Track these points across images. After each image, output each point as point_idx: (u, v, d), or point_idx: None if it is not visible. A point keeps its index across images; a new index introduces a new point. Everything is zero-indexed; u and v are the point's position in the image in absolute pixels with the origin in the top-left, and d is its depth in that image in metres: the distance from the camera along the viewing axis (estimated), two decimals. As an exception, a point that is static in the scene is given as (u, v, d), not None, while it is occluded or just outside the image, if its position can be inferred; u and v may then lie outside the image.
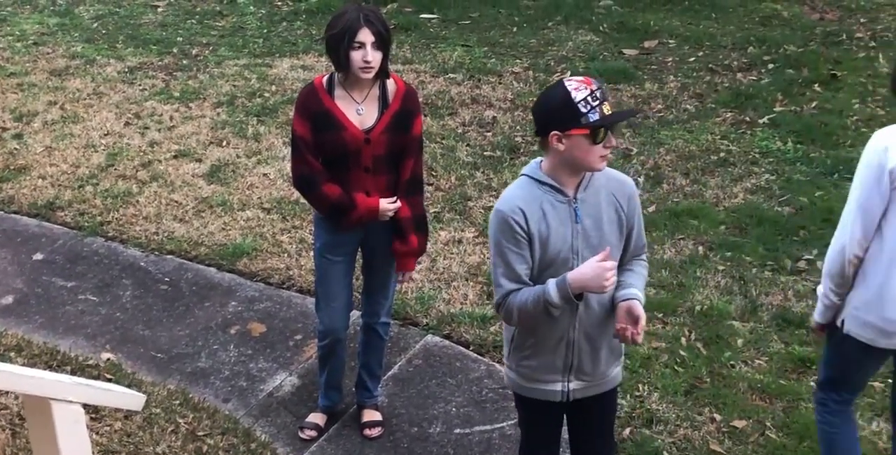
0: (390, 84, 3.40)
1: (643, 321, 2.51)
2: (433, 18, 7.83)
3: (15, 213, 5.17)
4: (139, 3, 8.29)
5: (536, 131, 2.63)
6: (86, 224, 5.04)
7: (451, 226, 4.97)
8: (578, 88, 2.50)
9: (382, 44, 3.25)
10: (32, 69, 6.94)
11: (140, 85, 6.69)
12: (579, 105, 2.49)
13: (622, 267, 2.74)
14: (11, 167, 5.57)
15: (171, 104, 6.39)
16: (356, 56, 3.21)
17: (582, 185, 2.62)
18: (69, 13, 8.06)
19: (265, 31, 7.68)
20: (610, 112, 2.51)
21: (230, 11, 8.10)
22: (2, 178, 5.45)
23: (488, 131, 5.94)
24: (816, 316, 2.95)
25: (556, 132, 2.52)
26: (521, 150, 5.69)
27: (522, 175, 2.68)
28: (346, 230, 3.43)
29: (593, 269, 2.45)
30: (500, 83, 6.58)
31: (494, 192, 5.23)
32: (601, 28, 7.52)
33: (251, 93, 6.54)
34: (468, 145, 5.78)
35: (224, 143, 5.87)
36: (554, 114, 2.54)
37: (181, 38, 7.54)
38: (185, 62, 7.09)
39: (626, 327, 2.51)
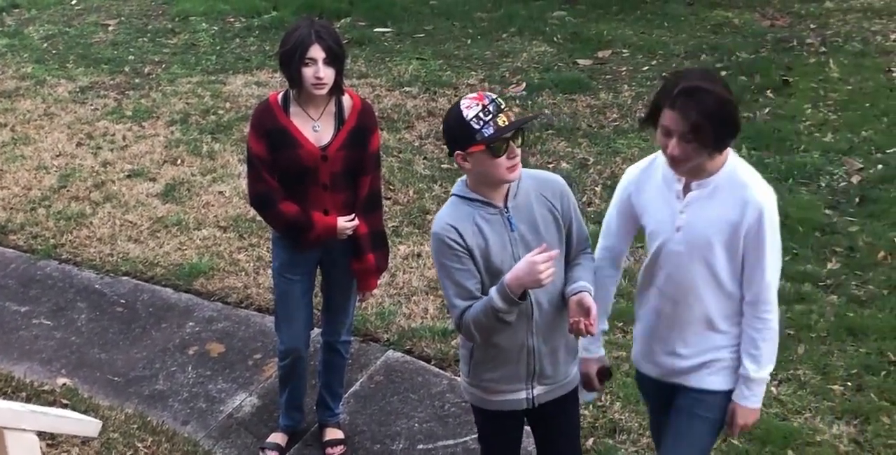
0: (346, 100, 3.36)
1: (594, 311, 2.50)
2: (387, 32, 7.82)
3: (-37, 239, 5.09)
4: (89, 22, 8.21)
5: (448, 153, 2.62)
6: (38, 247, 4.96)
7: (409, 240, 4.95)
8: (470, 106, 2.51)
9: (334, 60, 3.21)
10: (-19, 91, 6.85)
11: (92, 104, 6.62)
12: (471, 122, 2.50)
13: (569, 263, 2.74)
14: (-39, 191, 5.49)
15: (124, 123, 6.33)
16: (308, 72, 3.18)
17: (510, 193, 2.61)
18: (18, 34, 7.97)
19: (218, 47, 7.64)
20: (507, 123, 2.48)
21: (182, 29, 8.04)
22: (-49, 203, 5.37)
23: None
24: None
25: (458, 152, 2.53)
26: (479, 162, 5.68)
27: (452, 195, 2.67)
28: (304, 249, 3.40)
29: (525, 263, 2.45)
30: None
31: (452, 205, 5.21)
32: (555, 39, 7.55)
33: (205, 110, 6.49)
34: (425, 158, 5.76)
35: (178, 162, 5.82)
36: (452, 134, 2.56)
37: (133, 57, 7.47)
38: (137, 81, 7.03)
39: (579, 319, 2.50)
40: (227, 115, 6.39)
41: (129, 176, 5.65)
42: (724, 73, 6.77)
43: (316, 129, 3.32)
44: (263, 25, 7.99)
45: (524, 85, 6.71)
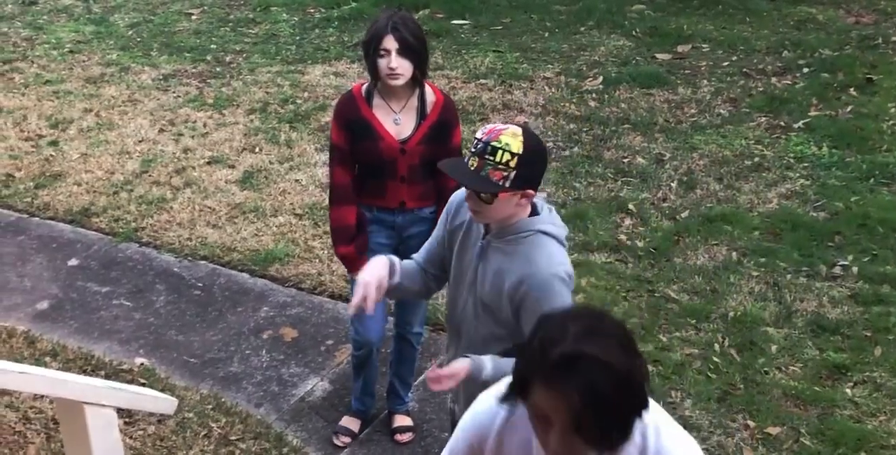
0: (429, 94, 3.36)
1: (451, 370, 2.40)
2: (465, 24, 7.83)
3: (51, 219, 5.22)
4: (174, 10, 8.36)
5: None
6: (120, 230, 5.08)
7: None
8: (483, 128, 2.42)
9: (409, 51, 3.19)
10: (68, 77, 7.01)
11: (174, 92, 6.75)
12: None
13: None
14: (47, 174, 5.63)
15: (205, 111, 6.44)
16: (381, 63, 3.18)
17: (491, 230, 2.49)
18: (104, 21, 8.14)
19: (298, 37, 7.71)
20: (471, 167, 2.33)
21: (263, 19, 8.14)
22: (38, 185, 5.51)
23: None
24: None
25: None
26: (553, 156, 5.67)
27: None
28: (377, 238, 3.43)
29: (363, 285, 2.44)
30: (531, 88, 6.57)
31: (526, 198, 5.22)
32: (634, 33, 7.49)
33: (284, 99, 6.57)
34: (500, 151, 5.76)
35: (257, 150, 5.90)
36: None
37: (215, 46, 7.59)
38: (218, 69, 7.14)
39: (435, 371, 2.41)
40: (305, 105, 6.47)
41: (208, 162, 5.75)
42: (806, 70, 6.67)
43: (397, 122, 3.32)
44: (343, 16, 8.05)
45: (601, 79, 6.67)
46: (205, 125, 6.24)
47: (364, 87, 3.38)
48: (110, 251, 4.94)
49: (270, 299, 4.52)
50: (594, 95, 6.43)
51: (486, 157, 2.31)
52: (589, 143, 5.84)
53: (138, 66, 7.22)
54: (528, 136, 2.38)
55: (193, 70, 7.15)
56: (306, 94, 6.64)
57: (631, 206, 5.12)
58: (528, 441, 1.83)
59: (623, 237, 4.87)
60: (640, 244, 4.80)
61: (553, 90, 6.54)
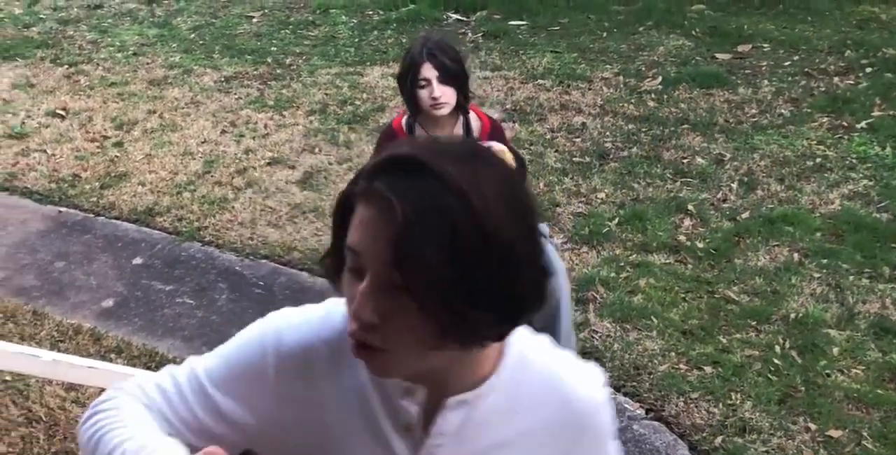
0: (474, 120, 3.22)
1: None
2: (522, 25, 7.84)
3: (116, 218, 5.33)
4: (235, 14, 8.47)
5: None
6: (183, 229, 5.17)
7: (540, 232, 4.96)
8: None
9: (450, 77, 3.03)
10: (132, 79, 7.14)
11: (236, 94, 6.84)
12: None
13: None
14: (112, 174, 5.74)
15: (266, 112, 6.52)
16: (423, 94, 3.03)
17: None
18: (168, 24, 8.28)
19: (356, 40, 7.78)
20: None
21: (323, 21, 8.22)
22: (104, 185, 5.63)
23: (577, 137, 5.92)
24: None
25: None
26: (611, 156, 5.66)
27: None
28: None
29: None
30: (589, 89, 6.56)
31: (584, 198, 5.21)
32: (693, 32, 7.44)
33: (342, 101, 6.63)
34: (557, 151, 5.77)
35: (316, 151, 5.96)
36: None
37: (275, 48, 7.68)
38: (279, 71, 7.23)
39: None
40: (364, 106, 6.52)
41: (269, 163, 5.83)
42: (869, 69, 6.58)
43: None
44: (401, 18, 8.10)
45: (660, 79, 6.64)
46: (265, 126, 6.32)
47: (404, 119, 3.23)
48: (173, 250, 5.03)
49: (329, 298, 4.56)
50: (653, 96, 6.40)
51: None
52: (648, 143, 5.81)
53: (201, 68, 7.33)
54: (514, 151, 2.42)
55: (254, 72, 7.24)
56: (365, 96, 6.69)
57: (690, 207, 5.08)
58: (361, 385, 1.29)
59: (682, 238, 4.84)
60: (699, 245, 4.77)
61: (611, 90, 6.52)
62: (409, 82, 3.04)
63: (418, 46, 3.05)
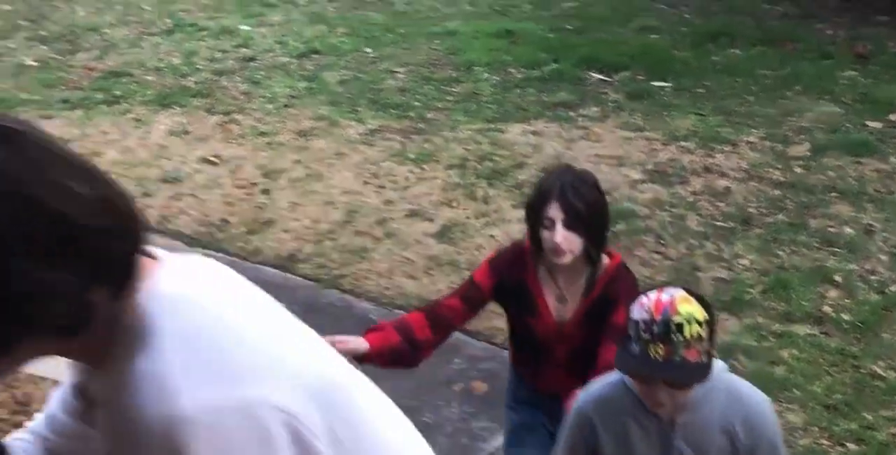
0: (605, 261, 2.80)
1: None
2: (666, 86, 7.80)
3: (260, 263, 5.48)
4: (381, 69, 8.68)
5: None
6: (324, 277, 5.27)
7: (678, 295, 4.88)
8: (642, 307, 2.09)
9: (578, 223, 2.62)
10: (281, 129, 7.38)
11: (378, 146, 6.99)
12: (630, 324, 2.11)
13: None
14: (259, 220, 5.92)
15: (407, 165, 6.64)
16: (545, 236, 2.65)
17: (679, 417, 2.15)
18: (317, 78, 8.54)
19: (498, 97, 7.87)
20: (656, 357, 1.99)
21: (465, 78, 8.35)
22: (250, 231, 5.80)
23: (720, 201, 5.83)
24: None
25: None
26: (754, 222, 5.55)
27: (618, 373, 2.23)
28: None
29: None
30: (734, 153, 6.47)
31: (725, 264, 5.12)
32: (843, 99, 7.27)
33: (482, 156, 6.70)
34: (699, 215, 5.68)
35: (454, 204, 6.03)
36: None
37: (418, 103, 7.83)
38: (421, 125, 7.36)
39: None
40: (504, 163, 6.57)
41: (408, 215, 5.92)
42: None
43: (562, 301, 2.79)
44: (543, 77, 8.16)
45: (808, 145, 6.50)
46: (406, 179, 6.43)
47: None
48: (313, 296, 5.13)
49: (463, 352, 4.58)
50: (800, 162, 6.26)
51: (673, 337, 1.98)
52: (793, 210, 5.68)
53: (346, 120, 7.52)
54: (695, 294, 2.09)
55: (397, 126, 7.39)
56: (504, 152, 6.74)
57: (837, 278, 4.93)
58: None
59: (828, 309, 4.69)
60: (845, 317, 4.61)
61: (757, 155, 6.41)
62: (533, 217, 2.71)
63: (554, 178, 2.72)
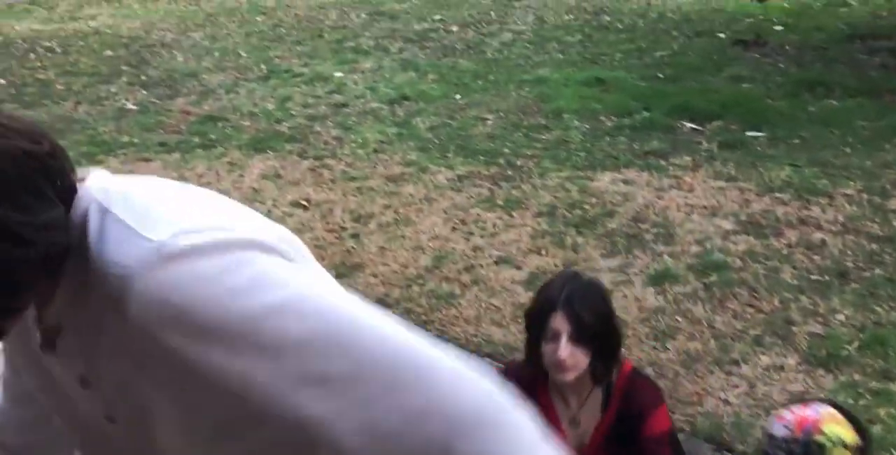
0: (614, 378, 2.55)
1: None
2: (760, 136, 7.70)
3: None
4: (471, 115, 8.75)
5: None
6: (411, 322, 5.28)
7: (772, 350, 4.77)
8: (782, 421, 1.92)
9: (583, 336, 2.39)
10: (371, 174, 7.46)
11: (467, 193, 7.02)
12: (766, 440, 1.95)
13: None
14: (347, 264, 5.97)
15: (495, 212, 6.64)
16: (546, 350, 2.43)
17: None
18: (407, 123, 8.64)
19: (588, 145, 7.85)
20: None
21: (555, 125, 8.36)
22: (339, 275, 5.84)
23: (816, 254, 5.70)
24: None
25: None
26: (851, 276, 5.40)
27: None
28: None
29: None
30: (830, 205, 6.33)
31: (821, 319, 4.98)
32: (944, 151, 7.09)
33: (571, 204, 6.67)
34: (794, 267, 5.56)
35: (543, 252, 6.00)
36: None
37: (507, 150, 7.85)
38: (510, 172, 7.37)
39: None
40: (593, 211, 6.53)
41: (496, 262, 5.90)
42: None
43: (575, 424, 2.54)
44: (634, 125, 8.13)
45: (907, 198, 6.34)
46: (494, 226, 6.43)
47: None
48: (400, 342, 5.13)
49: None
50: (901, 216, 6.10)
51: None
52: (892, 264, 5.52)
53: (435, 166, 7.58)
54: (846, 412, 1.90)
55: (486, 172, 7.41)
56: (594, 200, 6.71)
57: (939, 335, 4.77)
58: None
59: (929, 368, 4.53)
60: (949, 377, 4.45)
61: (854, 208, 6.27)
62: (534, 328, 2.47)
63: (559, 284, 2.49)
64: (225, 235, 1.16)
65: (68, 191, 1.22)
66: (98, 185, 1.26)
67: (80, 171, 1.32)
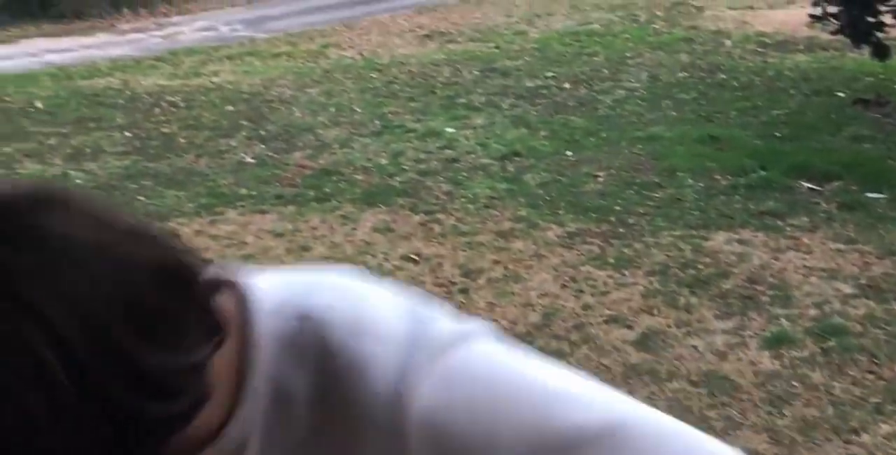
0: None
1: None
2: (881, 198, 7.49)
3: (456, 362, 5.50)
4: (582, 172, 8.73)
5: None
6: (519, 379, 5.24)
7: (892, 418, 4.60)
8: None
9: None
10: (481, 229, 7.49)
11: (577, 250, 6.98)
12: None
13: None
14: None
15: (606, 270, 6.58)
16: None
17: None
18: (518, 179, 8.66)
19: (702, 203, 7.75)
20: None
21: (668, 183, 8.28)
22: (448, 329, 5.85)
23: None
24: None
25: None
26: (983, 345, 5.18)
27: None
28: None
29: None
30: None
31: (949, 388, 4.78)
32: None
33: (684, 264, 6.58)
34: (919, 333, 5.36)
35: (655, 312, 5.91)
36: None
37: (619, 208, 7.80)
38: (621, 230, 7.31)
39: None
40: (707, 271, 6.42)
41: (606, 321, 5.84)
42: None
43: None
44: (750, 184, 8.00)
45: None
46: (605, 284, 6.36)
47: None
48: (507, 399, 5.09)
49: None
50: None
51: None
52: None
53: (545, 223, 7.56)
54: None
55: (597, 230, 7.37)
56: (708, 260, 6.60)
57: None
58: None
59: None
60: None
61: (983, 273, 6.03)
62: None
63: None
64: None
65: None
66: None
67: None
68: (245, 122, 11.06)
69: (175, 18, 19.34)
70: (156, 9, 19.82)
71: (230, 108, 11.79)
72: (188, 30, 18.02)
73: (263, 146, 10.11)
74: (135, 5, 19.59)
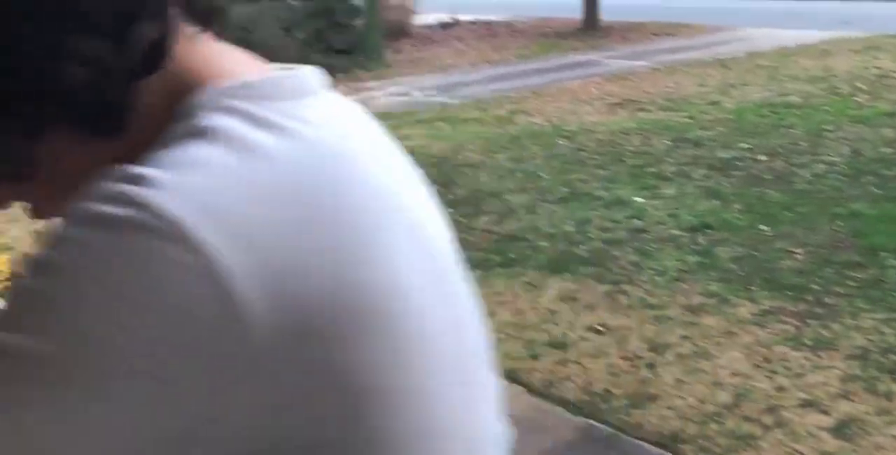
0: None
1: None
2: None
3: (642, 439, 5.36)
4: (777, 248, 8.43)
5: None
6: (707, 462, 5.05)
7: None
8: None
9: None
10: (670, 303, 7.32)
11: (771, 329, 6.71)
12: None
13: None
14: (642, 395, 5.82)
15: (802, 351, 6.30)
16: None
17: None
18: (709, 253, 8.44)
19: (906, 285, 7.34)
20: None
21: (869, 263, 7.89)
22: (633, 404, 5.72)
23: None
24: None
25: None
26: None
27: None
28: None
29: None
30: None
31: None
32: None
33: (886, 349, 6.23)
34: None
35: (853, 398, 5.60)
36: None
37: (816, 286, 7.48)
38: (818, 310, 7.00)
39: None
40: (913, 357, 6.05)
41: (801, 405, 5.57)
42: None
43: None
44: (960, 267, 7.54)
45: None
46: (800, 366, 6.09)
47: None
48: (694, 482, 4.91)
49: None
50: None
51: None
52: None
53: (738, 299, 7.32)
54: None
55: (792, 309, 7.08)
56: (917, 347, 6.22)
57: None
58: None
59: None
60: None
61: None
62: None
63: None
64: None
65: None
66: None
67: None
68: (435, 186, 11.21)
69: (370, 83, 20.03)
70: (355, 75, 20.60)
71: (421, 171, 12.03)
72: (382, 94, 18.61)
73: (452, 210, 10.25)
74: (333, 72, 20.41)
